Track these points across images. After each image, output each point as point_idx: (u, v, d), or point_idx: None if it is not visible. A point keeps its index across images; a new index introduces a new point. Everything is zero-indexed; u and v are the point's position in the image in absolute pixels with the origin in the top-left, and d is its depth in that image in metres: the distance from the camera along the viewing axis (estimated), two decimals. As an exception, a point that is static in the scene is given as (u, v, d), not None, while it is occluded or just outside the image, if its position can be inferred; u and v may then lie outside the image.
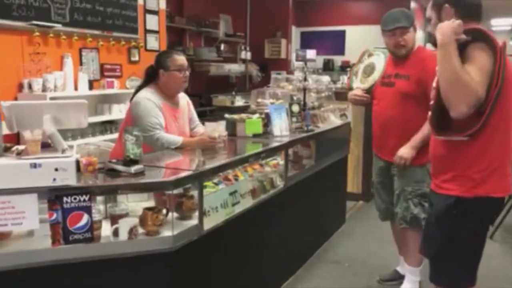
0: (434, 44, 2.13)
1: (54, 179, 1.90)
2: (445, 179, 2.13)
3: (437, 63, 1.99)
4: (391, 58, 3.04)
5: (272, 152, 3.16)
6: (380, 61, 3.14)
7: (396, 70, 2.96)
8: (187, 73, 2.95)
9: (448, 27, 1.96)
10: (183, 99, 3.13)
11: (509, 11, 10.44)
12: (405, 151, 2.88)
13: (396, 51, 2.94)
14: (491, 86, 1.93)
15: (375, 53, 3.21)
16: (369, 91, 3.12)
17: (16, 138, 3.42)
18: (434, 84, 2.10)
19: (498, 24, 12.04)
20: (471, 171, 2.06)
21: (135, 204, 2.41)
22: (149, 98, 2.85)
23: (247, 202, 2.72)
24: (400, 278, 3.28)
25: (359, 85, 3.20)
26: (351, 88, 3.29)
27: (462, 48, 1.97)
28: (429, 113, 2.12)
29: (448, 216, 2.11)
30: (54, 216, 1.91)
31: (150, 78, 2.97)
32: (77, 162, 2.04)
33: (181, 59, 2.93)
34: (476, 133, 1.99)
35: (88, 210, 1.95)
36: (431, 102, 2.11)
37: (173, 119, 2.96)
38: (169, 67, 2.88)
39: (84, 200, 1.94)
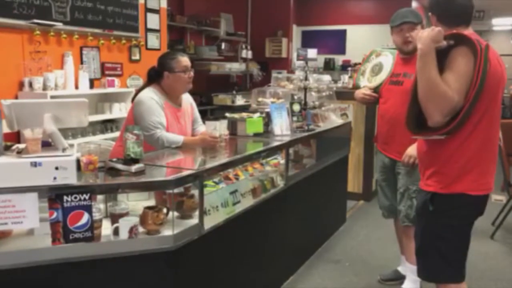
0: None
1: (55, 178, 1.89)
2: (427, 176, 2.19)
3: (416, 72, 2.06)
4: (400, 57, 3.07)
5: (272, 151, 3.16)
6: (388, 61, 3.17)
7: (405, 70, 2.99)
8: (192, 73, 2.95)
9: (427, 36, 2.01)
10: (187, 100, 3.13)
11: (511, 11, 10.42)
12: (414, 151, 2.88)
13: (403, 47, 2.97)
14: (469, 87, 1.98)
15: (383, 53, 3.24)
16: (376, 90, 3.15)
17: (16, 137, 3.42)
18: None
19: (499, 24, 12.01)
20: (448, 168, 2.11)
21: (135, 203, 2.41)
22: (152, 97, 2.85)
23: (248, 202, 2.72)
24: (400, 278, 3.28)
25: (366, 84, 3.22)
26: (357, 87, 3.31)
27: (446, 53, 2.02)
28: (406, 114, 2.19)
29: (424, 211, 2.18)
30: (55, 215, 1.91)
31: (152, 79, 2.97)
32: (78, 161, 2.04)
33: (185, 60, 2.93)
34: (453, 131, 2.03)
35: (88, 209, 1.95)
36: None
37: (175, 119, 2.96)
38: (174, 68, 2.88)
39: (85, 199, 1.93)
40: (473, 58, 1.97)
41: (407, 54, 2.98)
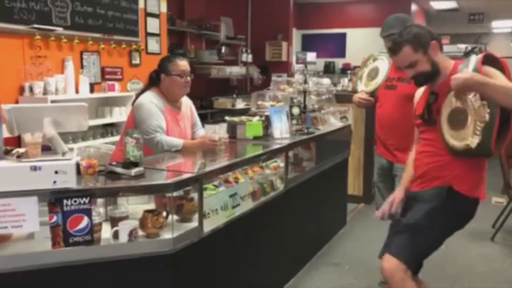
0: (420, 84, 2.31)
1: (54, 182, 1.90)
2: (443, 182, 2.23)
3: (491, 94, 2.01)
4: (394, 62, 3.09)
5: (272, 154, 3.17)
6: (384, 65, 3.21)
7: (399, 74, 3.02)
8: (189, 78, 2.95)
9: (459, 77, 2.05)
10: (186, 103, 3.14)
11: (510, 13, 10.43)
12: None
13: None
14: None
15: (380, 57, 3.29)
16: (373, 94, 3.19)
17: (17, 141, 3.43)
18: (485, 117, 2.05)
19: (499, 26, 12.02)
20: (472, 176, 2.21)
21: (135, 206, 2.41)
22: (151, 100, 2.86)
23: (247, 205, 2.73)
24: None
25: (363, 88, 3.27)
26: (355, 91, 3.35)
27: None
28: (489, 139, 2.04)
29: (439, 197, 2.22)
30: (54, 218, 1.92)
31: (153, 82, 2.98)
32: (77, 165, 2.05)
33: (183, 64, 2.93)
34: None
35: (88, 212, 1.95)
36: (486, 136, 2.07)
37: (175, 122, 2.97)
38: (170, 71, 2.89)
39: (84, 203, 1.94)
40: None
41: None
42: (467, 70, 2.10)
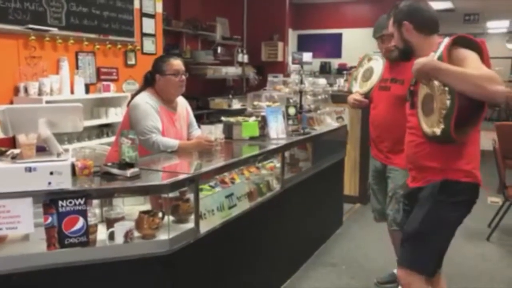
0: (401, 57, 2.35)
1: (49, 183, 1.89)
2: (433, 173, 2.18)
3: (445, 80, 1.96)
4: (388, 63, 3.09)
5: (268, 154, 3.17)
6: (378, 65, 3.21)
7: (392, 75, 3.01)
8: (183, 77, 2.94)
9: (418, 62, 2.01)
10: (182, 104, 3.13)
11: (505, 13, 10.48)
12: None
13: (387, 55, 3.02)
14: None
15: (374, 57, 3.29)
16: (367, 95, 3.18)
17: (12, 142, 3.41)
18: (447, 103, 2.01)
19: (494, 27, 12.08)
20: (460, 163, 2.14)
21: (131, 207, 2.40)
22: (147, 101, 2.85)
23: (244, 205, 2.72)
24: (397, 280, 3.28)
25: (358, 89, 3.26)
26: (350, 92, 3.34)
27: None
28: (449, 126, 2.00)
29: (431, 198, 2.17)
30: (50, 220, 1.91)
31: (148, 82, 2.97)
32: (73, 166, 2.04)
33: (177, 63, 2.92)
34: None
35: (83, 213, 1.94)
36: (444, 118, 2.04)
37: (171, 123, 2.96)
38: (165, 71, 2.88)
39: (80, 204, 1.93)
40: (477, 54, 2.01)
41: (393, 61, 2.99)
42: (433, 55, 2.05)
